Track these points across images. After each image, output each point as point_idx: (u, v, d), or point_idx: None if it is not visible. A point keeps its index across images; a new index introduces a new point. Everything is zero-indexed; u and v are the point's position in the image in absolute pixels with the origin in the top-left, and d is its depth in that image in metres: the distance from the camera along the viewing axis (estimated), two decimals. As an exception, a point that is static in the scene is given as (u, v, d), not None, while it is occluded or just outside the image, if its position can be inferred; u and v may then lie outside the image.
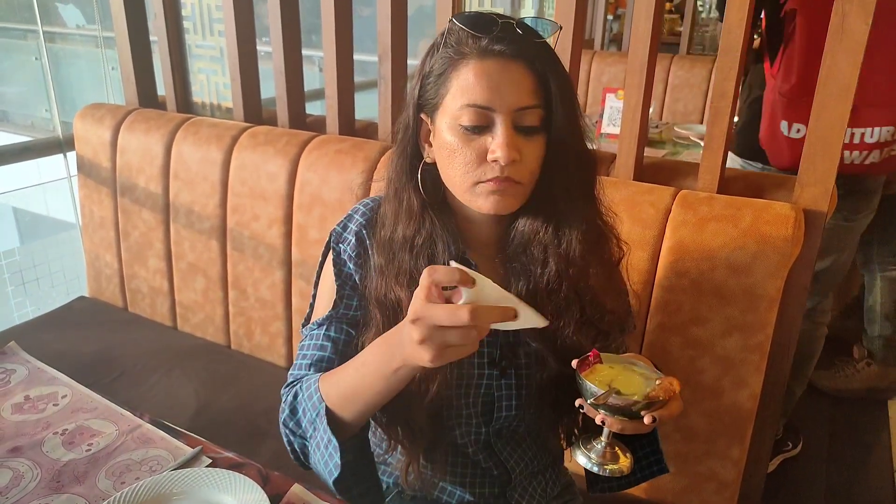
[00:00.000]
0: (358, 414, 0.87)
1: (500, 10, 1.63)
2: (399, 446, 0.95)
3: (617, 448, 0.82)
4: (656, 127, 2.88)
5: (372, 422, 0.96)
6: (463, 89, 0.82)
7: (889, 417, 2.40)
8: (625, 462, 0.81)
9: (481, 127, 0.82)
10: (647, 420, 0.76)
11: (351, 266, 0.94)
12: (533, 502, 1.04)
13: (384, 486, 1.07)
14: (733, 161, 2.08)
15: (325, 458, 0.85)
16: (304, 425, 0.90)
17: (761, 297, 1.17)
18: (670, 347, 1.25)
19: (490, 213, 0.85)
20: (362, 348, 0.89)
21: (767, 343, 1.20)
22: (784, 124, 1.72)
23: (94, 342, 1.83)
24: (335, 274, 0.95)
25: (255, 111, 1.89)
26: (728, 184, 1.32)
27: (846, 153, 1.66)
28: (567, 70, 0.87)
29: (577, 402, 0.81)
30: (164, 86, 2.03)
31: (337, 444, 0.83)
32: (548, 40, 0.84)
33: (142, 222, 1.90)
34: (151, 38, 2.03)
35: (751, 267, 1.16)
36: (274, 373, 1.72)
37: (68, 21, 5.14)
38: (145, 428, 0.98)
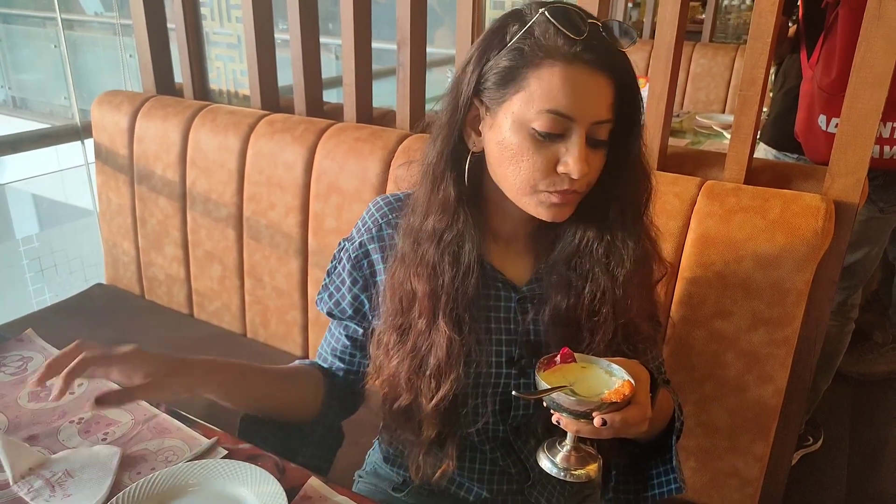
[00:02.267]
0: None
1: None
2: (406, 439, 0.94)
3: (584, 452, 0.78)
4: (677, 116, 2.84)
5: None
6: (545, 92, 0.76)
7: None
8: (591, 467, 0.76)
9: (555, 135, 0.78)
10: (596, 422, 0.72)
11: (348, 267, 0.97)
12: (552, 500, 1.02)
13: (401, 480, 1.05)
14: (766, 152, 2.04)
15: None
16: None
17: (789, 291, 1.14)
18: (693, 342, 1.22)
19: (550, 221, 0.83)
20: (381, 345, 0.91)
21: (794, 338, 1.17)
22: (822, 118, 1.67)
23: (110, 329, 1.83)
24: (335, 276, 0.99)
25: (272, 99, 1.87)
26: (755, 174, 1.28)
27: (886, 148, 1.61)
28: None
29: (514, 394, 0.80)
30: (181, 73, 2.02)
31: None
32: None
33: (159, 210, 1.89)
34: (169, 25, 2.02)
35: (778, 260, 1.13)
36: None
37: (87, 9, 5.16)
38: (161, 418, 0.97)
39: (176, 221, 1.87)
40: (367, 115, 1.75)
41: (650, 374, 0.80)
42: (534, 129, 0.78)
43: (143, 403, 1.00)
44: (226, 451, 0.91)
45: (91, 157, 2.09)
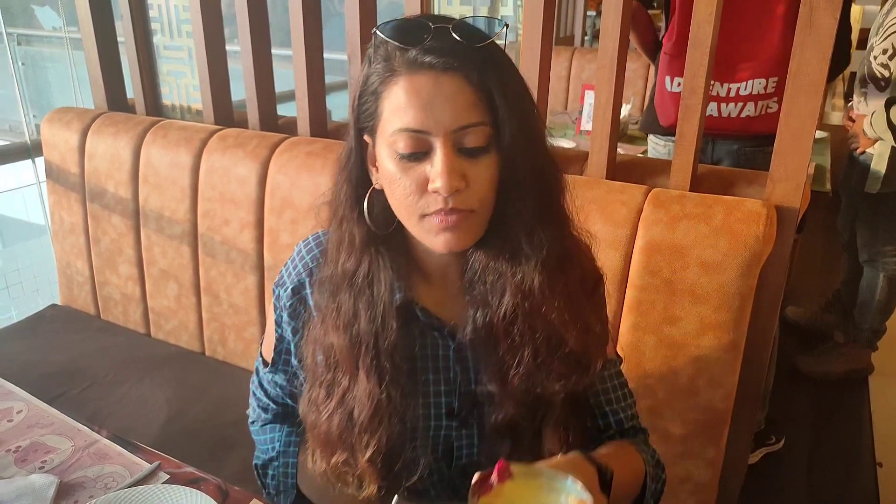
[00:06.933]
0: None
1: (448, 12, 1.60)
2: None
3: None
4: (636, 123, 2.87)
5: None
6: (395, 111, 0.71)
7: (870, 395, 2.46)
8: None
9: (419, 153, 0.71)
10: None
11: (284, 317, 0.88)
12: None
13: None
14: (649, 140, 2.23)
15: None
16: (270, 488, 0.93)
17: (734, 296, 1.15)
18: (644, 348, 1.23)
19: (444, 251, 0.75)
20: (310, 402, 0.85)
21: (742, 342, 1.19)
22: (668, 80, 1.91)
23: (64, 351, 1.79)
24: (275, 321, 0.90)
25: (225, 113, 1.86)
26: (701, 181, 1.30)
27: (722, 105, 1.81)
28: (518, 72, 0.75)
29: None
30: (132, 88, 1.99)
31: None
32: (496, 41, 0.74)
33: (112, 228, 1.86)
34: (119, 39, 1.99)
35: (723, 265, 1.15)
36: (248, 380, 1.69)
37: (45, 23, 5.06)
38: (102, 443, 0.95)
39: (130, 239, 1.84)
40: (322, 128, 1.74)
41: (598, 467, 0.75)
42: (397, 152, 0.72)
43: (84, 428, 0.97)
44: (168, 476, 0.89)
45: (42, 176, 2.05)
